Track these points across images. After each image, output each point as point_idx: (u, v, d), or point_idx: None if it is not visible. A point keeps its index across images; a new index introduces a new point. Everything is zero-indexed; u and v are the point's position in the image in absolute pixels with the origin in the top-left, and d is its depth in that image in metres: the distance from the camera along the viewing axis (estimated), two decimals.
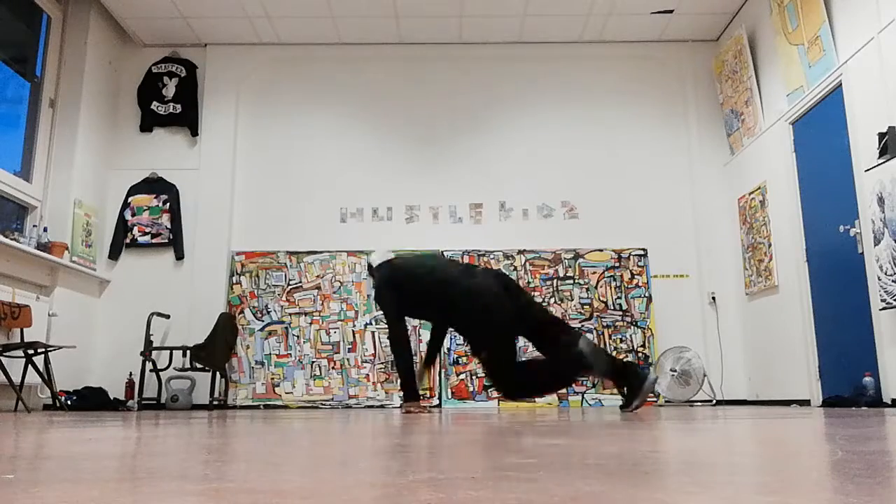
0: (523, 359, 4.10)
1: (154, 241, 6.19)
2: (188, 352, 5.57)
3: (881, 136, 3.98)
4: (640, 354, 5.93)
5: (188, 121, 6.41)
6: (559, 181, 6.38)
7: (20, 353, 4.68)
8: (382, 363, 5.96)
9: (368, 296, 6.08)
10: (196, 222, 6.22)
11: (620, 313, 6.01)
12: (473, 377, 5.93)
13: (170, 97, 6.45)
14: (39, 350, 4.75)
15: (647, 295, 6.04)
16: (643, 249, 6.14)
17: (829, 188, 4.72)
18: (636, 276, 6.08)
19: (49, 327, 5.25)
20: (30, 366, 4.70)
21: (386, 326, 3.95)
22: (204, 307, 5.97)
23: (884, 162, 3.95)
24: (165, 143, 6.43)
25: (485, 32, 6.43)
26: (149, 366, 5.59)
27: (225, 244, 6.19)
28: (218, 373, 5.67)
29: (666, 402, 5.70)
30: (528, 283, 6.09)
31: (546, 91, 6.56)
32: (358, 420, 3.00)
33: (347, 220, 6.31)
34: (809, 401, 4.94)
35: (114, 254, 6.16)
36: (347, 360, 5.96)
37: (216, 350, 5.63)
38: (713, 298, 6.11)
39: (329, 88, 6.58)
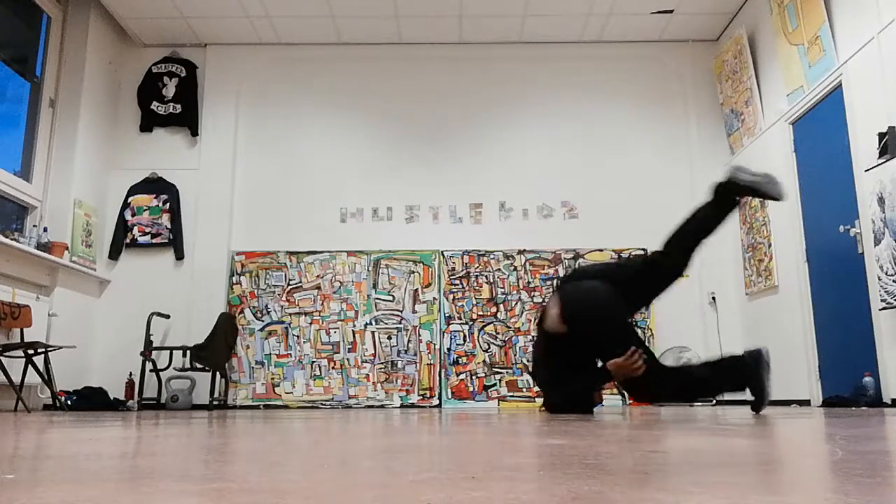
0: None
1: (154, 241, 6.20)
2: (188, 352, 5.57)
3: (881, 136, 3.98)
4: None
5: (188, 121, 6.41)
6: (559, 181, 6.38)
7: (20, 353, 4.68)
8: (382, 363, 5.96)
9: (368, 296, 6.09)
10: (196, 222, 6.22)
11: None
12: (473, 377, 5.93)
13: (170, 97, 6.45)
14: (39, 350, 4.75)
15: None
16: (643, 249, 6.14)
17: (829, 188, 4.72)
18: None
19: (49, 327, 5.25)
20: (30, 366, 4.70)
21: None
22: (204, 307, 5.97)
23: (884, 162, 3.95)
24: (165, 143, 6.43)
25: (485, 32, 6.43)
26: (149, 366, 5.59)
27: (225, 244, 6.19)
28: (218, 373, 5.67)
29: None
30: (528, 283, 6.09)
31: (546, 91, 6.56)
32: (358, 420, 3.00)
33: (347, 220, 6.31)
34: (809, 401, 4.94)
35: (114, 254, 6.16)
36: (347, 360, 5.96)
37: (216, 350, 5.63)
38: (713, 298, 6.11)
39: (329, 88, 6.58)
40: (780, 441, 1.49)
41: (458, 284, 6.10)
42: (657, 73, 6.57)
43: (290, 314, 6.06)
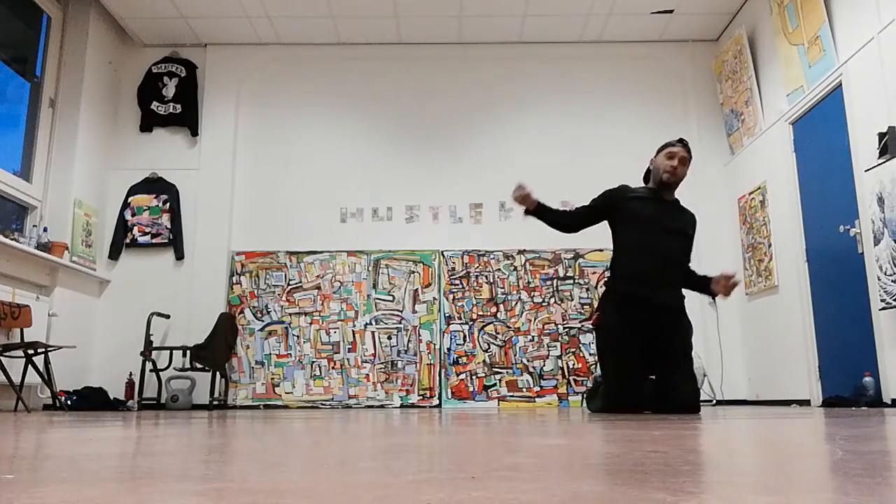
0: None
1: (154, 241, 6.20)
2: (188, 352, 5.57)
3: (881, 136, 3.98)
4: None
5: (188, 121, 6.41)
6: (559, 181, 6.37)
7: (20, 353, 4.68)
8: (382, 363, 5.96)
9: (368, 296, 6.09)
10: (196, 222, 6.22)
11: None
12: (473, 377, 5.93)
13: (170, 97, 6.45)
14: (39, 350, 4.75)
15: None
16: None
17: (829, 188, 4.72)
18: None
19: (49, 327, 5.25)
20: (30, 366, 4.70)
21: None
22: (204, 307, 5.96)
23: (884, 162, 3.95)
24: (165, 143, 6.43)
25: (485, 32, 6.43)
26: (149, 366, 5.59)
27: (225, 244, 6.19)
28: (218, 373, 5.67)
29: None
30: (528, 283, 6.09)
31: (546, 91, 6.56)
32: (358, 420, 3.00)
33: (347, 220, 6.31)
34: (809, 401, 4.94)
35: (114, 254, 6.16)
36: (347, 360, 5.96)
37: (216, 350, 5.63)
38: (713, 298, 6.10)
39: (329, 88, 6.58)
40: (780, 441, 1.49)
41: (458, 284, 6.10)
42: (657, 73, 6.57)
43: (290, 314, 6.06)
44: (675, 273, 3.71)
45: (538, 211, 3.78)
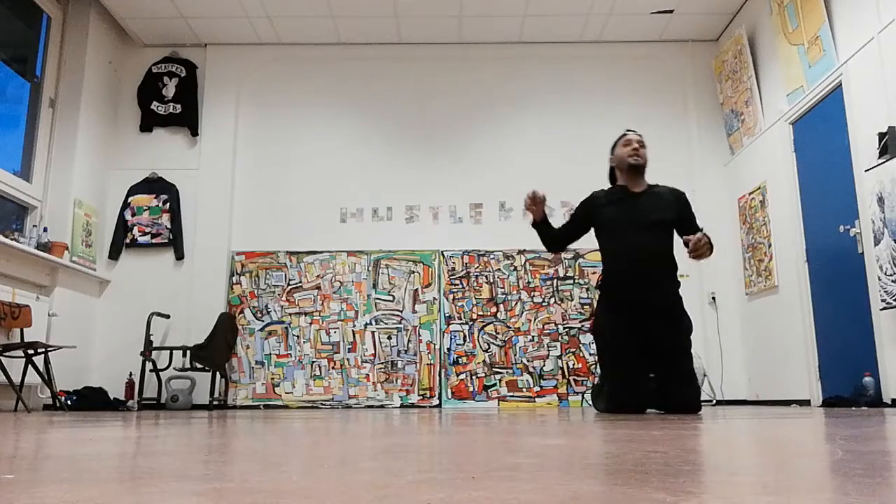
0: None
1: (154, 241, 6.20)
2: (188, 352, 5.57)
3: (881, 136, 3.98)
4: None
5: (188, 121, 6.41)
6: (559, 181, 6.37)
7: (20, 353, 4.68)
8: (382, 363, 5.96)
9: (368, 296, 6.09)
10: (196, 222, 6.22)
11: None
12: (473, 377, 5.93)
13: (170, 97, 6.45)
14: (39, 350, 4.75)
15: None
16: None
17: (829, 188, 4.72)
18: None
19: (49, 327, 5.26)
20: (30, 366, 4.70)
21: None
22: (204, 307, 5.96)
23: (884, 162, 3.95)
24: (165, 143, 6.43)
25: (485, 32, 6.43)
26: (149, 366, 5.59)
27: (225, 244, 6.19)
28: (218, 373, 5.67)
29: None
30: (528, 283, 6.10)
31: (546, 91, 6.56)
32: (358, 420, 3.00)
33: (347, 220, 6.31)
34: (809, 401, 4.94)
35: (114, 254, 6.16)
36: (347, 360, 5.96)
37: (216, 350, 5.63)
38: (713, 298, 6.11)
39: (329, 88, 6.58)
40: (780, 441, 1.49)
41: (458, 284, 6.10)
42: (657, 73, 6.57)
43: (290, 314, 6.06)
44: (662, 270, 3.70)
45: (543, 223, 3.82)
